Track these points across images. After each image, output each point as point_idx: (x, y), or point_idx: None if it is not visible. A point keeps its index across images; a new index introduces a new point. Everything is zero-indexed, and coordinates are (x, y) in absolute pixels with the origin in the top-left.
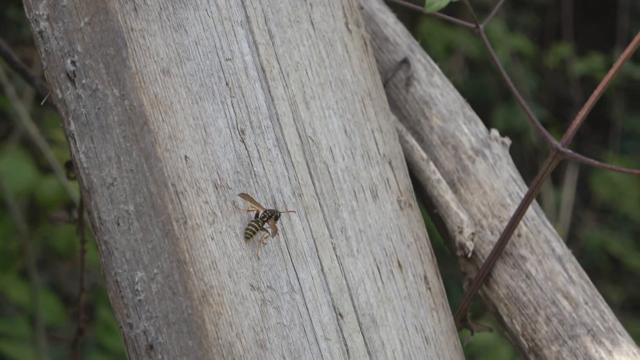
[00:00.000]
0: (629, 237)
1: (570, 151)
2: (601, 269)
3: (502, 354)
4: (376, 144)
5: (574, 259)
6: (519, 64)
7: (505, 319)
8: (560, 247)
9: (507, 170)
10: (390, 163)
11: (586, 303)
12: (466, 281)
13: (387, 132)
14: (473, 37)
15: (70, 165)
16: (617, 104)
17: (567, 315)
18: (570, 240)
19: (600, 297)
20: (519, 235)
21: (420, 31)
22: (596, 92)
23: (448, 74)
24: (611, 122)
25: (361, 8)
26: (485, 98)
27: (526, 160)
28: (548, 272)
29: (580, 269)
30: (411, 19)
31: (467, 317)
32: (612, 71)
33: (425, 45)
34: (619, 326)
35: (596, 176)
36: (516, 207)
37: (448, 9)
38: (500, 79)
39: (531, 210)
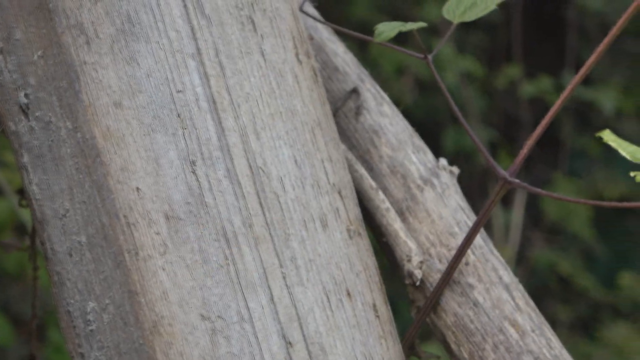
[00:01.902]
0: (578, 257)
1: (517, 181)
2: (551, 289)
3: None
4: (326, 174)
5: (520, 287)
6: (469, 85)
7: (453, 346)
8: (508, 275)
9: (455, 199)
10: (339, 192)
11: (533, 331)
12: (414, 309)
13: (336, 161)
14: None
15: (22, 193)
16: (566, 125)
17: (514, 343)
18: (520, 260)
19: (547, 324)
20: (467, 264)
21: (370, 52)
22: (544, 122)
23: (398, 95)
24: (560, 143)
25: (311, 38)
26: (435, 119)
27: (475, 180)
28: (495, 300)
29: (527, 296)
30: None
31: (415, 345)
32: (559, 102)
33: (376, 67)
34: (565, 354)
35: (545, 197)
36: (464, 235)
37: (399, 35)
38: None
39: (479, 239)
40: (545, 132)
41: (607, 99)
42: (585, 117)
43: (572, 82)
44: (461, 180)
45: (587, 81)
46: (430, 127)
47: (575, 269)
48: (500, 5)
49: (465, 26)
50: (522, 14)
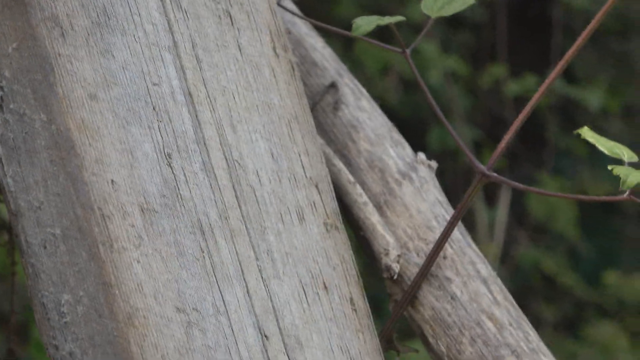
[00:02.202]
0: (563, 256)
1: (495, 174)
2: (535, 288)
3: None
4: (303, 168)
5: (499, 280)
6: (453, 84)
7: (431, 340)
8: (485, 269)
9: (434, 193)
10: (316, 186)
11: (510, 324)
12: (392, 303)
13: (314, 155)
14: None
15: None
16: (551, 124)
17: (492, 336)
18: (505, 259)
19: (525, 318)
20: (445, 257)
21: (355, 51)
22: (521, 116)
23: (383, 93)
24: (545, 142)
25: (289, 32)
26: (420, 117)
27: (460, 179)
28: (473, 294)
29: (505, 290)
30: (347, 39)
31: (393, 339)
32: (538, 94)
33: (360, 65)
34: (543, 347)
35: (530, 196)
36: (442, 229)
37: (383, 29)
38: (435, 99)
39: (456, 233)
40: (530, 130)
41: (592, 98)
42: (571, 116)
43: (552, 74)
44: (446, 179)
45: (572, 80)
46: (415, 126)
47: (560, 268)
48: (484, 3)
49: (450, 25)
50: (507, 13)
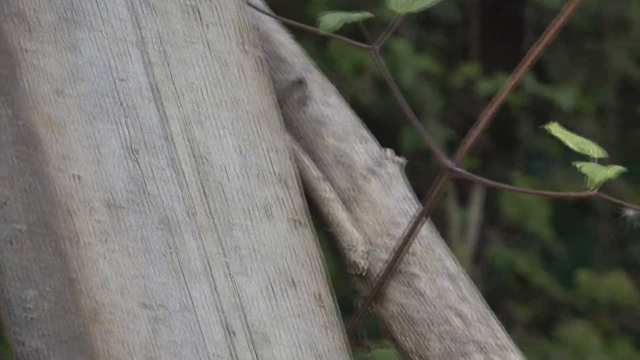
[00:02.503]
0: (536, 256)
1: (461, 170)
2: (508, 288)
3: None
4: (271, 164)
5: (466, 277)
6: (426, 84)
7: (398, 336)
8: (453, 265)
9: (401, 189)
10: (284, 182)
11: (478, 321)
12: (359, 299)
13: (281, 151)
14: (382, 57)
15: None
16: (523, 124)
17: (459, 332)
18: (478, 259)
19: (493, 314)
20: (412, 254)
21: (329, 52)
22: (489, 112)
23: (356, 93)
24: (518, 142)
25: (257, 29)
26: (393, 118)
27: (432, 179)
28: (440, 290)
29: (473, 287)
30: (320, 40)
31: (360, 335)
32: (505, 89)
33: (334, 66)
34: (511, 344)
35: (503, 195)
36: (409, 225)
37: (357, 29)
38: (408, 99)
39: (424, 229)
40: (502, 131)
41: (565, 98)
42: (544, 116)
43: (519, 69)
44: (419, 179)
45: (546, 80)
46: (389, 126)
47: (533, 268)
48: (456, 3)
49: (423, 26)
50: (479, 13)
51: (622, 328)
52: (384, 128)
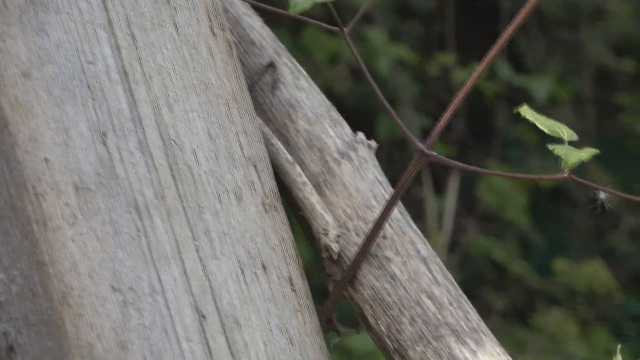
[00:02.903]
0: (513, 245)
1: (434, 154)
2: (485, 276)
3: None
4: (241, 147)
5: (438, 260)
6: (401, 72)
7: (371, 320)
8: (425, 249)
9: (373, 172)
10: (255, 166)
11: (450, 304)
12: (331, 283)
13: (252, 134)
14: (357, 46)
15: None
16: (499, 113)
17: (432, 316)
18: (454, 247)
19: (465, 298)
20: (384, 237)
21: (303, 40)
22: (460, 95)
23: (331, 81)
24: (494, 131)
25: (227, 12)
26: (369, 106)
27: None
28: (413, 274)
29: (445, 270)
30: (295, 28)
31: (333, 319)
32: (476, 73)
33: (309, 54)
34: (483, 326)
35: (480, 184)
36: (381, 209)
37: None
38: (384, 87)
39: (396, 212)
40: (479, 120)
41: (540, 86)
42: (520, 105)
43: (491, 53)
44: (395, 168)
45: (522, 69)
46: (365, 115)
47: (510, 256)
48: None
49: (399, 15)
50: (455, 3)
51: (599, 317)
52: (360, 117)
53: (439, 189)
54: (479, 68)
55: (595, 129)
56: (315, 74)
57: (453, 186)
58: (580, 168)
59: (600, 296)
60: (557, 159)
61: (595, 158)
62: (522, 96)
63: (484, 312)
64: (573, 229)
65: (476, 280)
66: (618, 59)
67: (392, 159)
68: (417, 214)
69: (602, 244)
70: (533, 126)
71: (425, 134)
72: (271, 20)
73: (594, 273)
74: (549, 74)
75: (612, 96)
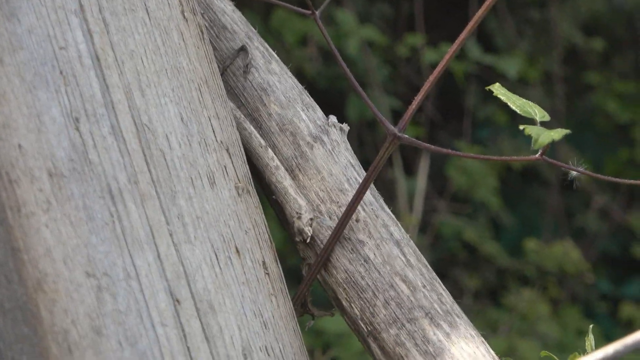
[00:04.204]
0: (484, 225)
1: (406, 136)
2: (456, 257)
3: (356, 342)
4: (213, 132)
5: (412, 243)
6: (371, 54)
7: (344, 303)
8: (398, 232)
9: (345, 156)
10: (227, 150)
11: (424, 286)
12: (305, 266)
13: (224, 119)
14: (327, 28)
15: None
16: (470, 94)
17: (405, 298)
18: (425, 229)
19: (438, 280)
20: (357, 220)
21: (272, 23)
22: (432, 77)
23: (301, 63)
24: (465, 112)
25: None
26: (338, 88)
27: (379, 148)
28: (386, 256)
29: (419, 252)
30: (264, 12)
31: (307, 302)
32: (448, 55)
33: (279, 37)
34: (456, 309)
35: (451, 166)
36: (354, 192)
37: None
38: (353, 69)
39: (369, 195)
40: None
41: (511, 66)
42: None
43: (462, 34)
44: (365, 149)
45: (493, 50)
46: (334, 97)
47: (481, 237)
48: None
49: None
50: None
51: (570, 296)
52: (330, 98)
53: (410, 170)
54: (451, 50)
55: (565, 108)
56: (285, 56)
57: (423, 168)
58: (551, 148)
59: (571, 276)
60: (528, 138)
61: (565, 137)
62: (492, 76)
63: (456, 292)
64: (543, 209)
65: (448, 261)
66: (587, 38)
67: (362, 140)
68: (388, 196)
69: (572, 224)
70: (504, 106)
71: (394, 115)
72: (241, 2)
73: (564, 253)
74: (519, 53)
75: (582, 75)
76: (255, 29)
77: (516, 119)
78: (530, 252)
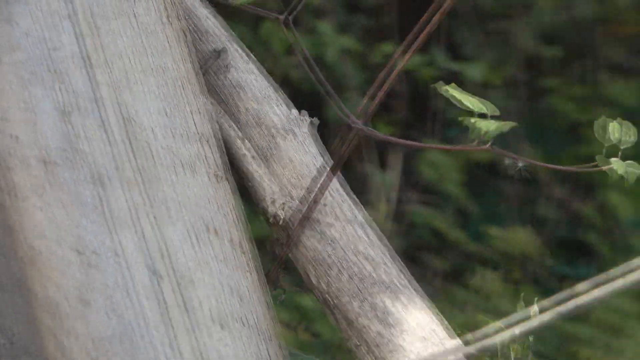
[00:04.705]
0: (451, 215)
1: (367, 128)
2: (426, 243)
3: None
4: (195, 124)
5: (375, 225)
6: (348, 61)
7: (313, 279)
8: (363, 215)
9: (315, 146)
10: (207, 141)
11: (385, 263)
12: (278, 246)
13: (204, 113)
14: (308, 37)
15: None
16: (439, 96)
17: (368, 274)
18: (398, 217)
19: (398, 258)
20: (325, 205)
21: (262, 33)
22: (392, 76)
23: (287, 69)
24: (435, 113)
25: (181, 3)
26: (320, 92)
27: (357, 148)
28: (351, 237)
29: (380, 233)
30: (254, 24)
31: (280, 279)
32: (407, 55)
33: (267, 46)
34: (414, 283)
35: (421, 161)
36: (322, 179)
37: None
38: (332, 74)
39: (336, 182)
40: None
41: (475, 71)
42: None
43: (420, 37)
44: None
45: (459, 57)
46: (317, 99)
47: (448, 225)
48: None
49: (348, 10)
50: None
51: (529, 278)
52: (313, 101)
53: (384, 166)
54: (413, 47)
55: (526, 109)
56: (273, 63)
57: (396, 162)
58: (514, 145)
59: (530, 259)
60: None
61: (525, 135)
62: (458, 81)
63: (426, 274)
64: (505, 200)
65: (419, 246)
66: (545, 47)
67: (343, 139)
68: (365, 189)
69: (532, 213)
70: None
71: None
72: (232, 15)
73: (524, 238)
74: (484, 60)
75: (541, 80)
76: (241, 38)
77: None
78: (493, 238)
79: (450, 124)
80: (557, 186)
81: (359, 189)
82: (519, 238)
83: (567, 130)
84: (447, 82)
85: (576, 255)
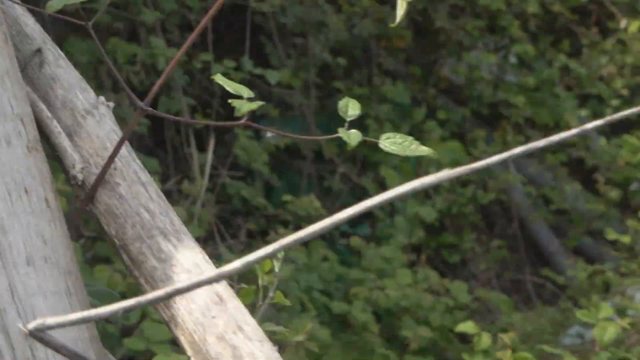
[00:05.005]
0: (259, 187)
1: (151, 109)
2: (237, 208)
3: None
4: (12, 107)
5: (155, 185)
6: (176, 66)
7: (105, 227)
8: (145, 176)
9: (109, 124)
10: (22, 120)
11: (161, 214)
12: (78, 202)
13: (20, 99)
14: (145, 50)
15: None
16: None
17: (147, 222)
18: (214, 189)
19: (172, 209)
20: (115, 169)
21: (107, 47)
22: (166, 72)
23: (129, 75)
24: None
25: (4, 12)
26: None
27: (183, 135)
28: (135, 193)
29: (159, 191)
30: (101, 39)
31: (80, 229)
32: (183, 49)
33: (113, 56)
34: (184, 229)
35: (236, 145)
36: (114, 149)
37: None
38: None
39: (124, 151)
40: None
41: (273, 76)
42: (261, 89)
43: (189, 39)
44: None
45: (268, 66)
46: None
47: (256, 195)
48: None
49: (180, 29)
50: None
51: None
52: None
53: (202, 148)
54: (181, 50)
55: (320, 106)
56: (118, 69)
57: (211, 145)
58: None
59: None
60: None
61: (320, 128)
62: (266, 83)
63: (237, 234)
64: (303, 176)
65: (230, 210)
66: (335, 57)
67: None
68: (187, 167)
69: (322, 185)
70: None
71: (192, 110)
72: (83, 33)
73: (313, 204)
74: (287, 67)
75: (331, 83)
76: (91, 52)
77: (285, 113)
78: (289, 204)
79: (259, 117)
80: (342, 164)
81: (183, 167)
82: (308, 203)
83: (352, 121)
84: (254, 85)
85: (358, 218)
